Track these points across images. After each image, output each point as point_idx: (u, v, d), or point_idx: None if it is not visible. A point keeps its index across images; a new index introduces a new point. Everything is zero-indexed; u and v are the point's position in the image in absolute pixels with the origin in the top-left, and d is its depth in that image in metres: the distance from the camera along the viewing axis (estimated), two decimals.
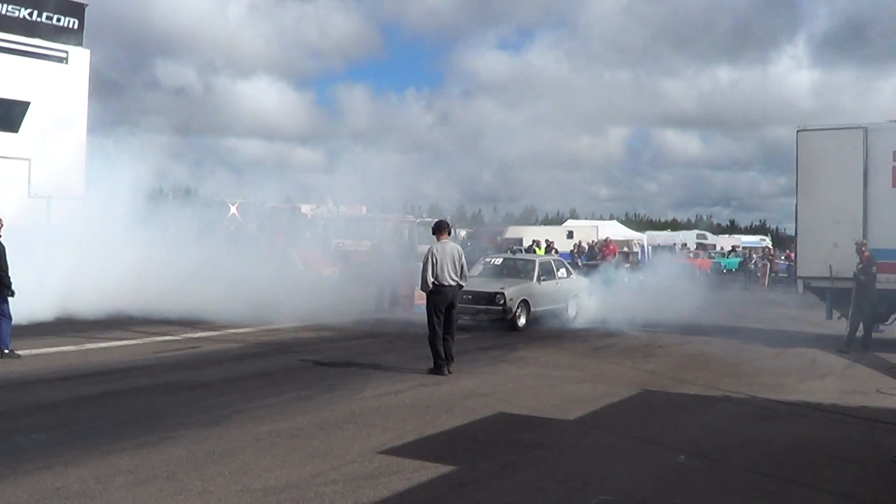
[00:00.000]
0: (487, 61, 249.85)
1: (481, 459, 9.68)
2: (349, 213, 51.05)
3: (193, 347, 18.68)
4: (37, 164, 30.96)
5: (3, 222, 16.68)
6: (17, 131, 30.89)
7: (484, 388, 14.17)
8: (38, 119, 30.90)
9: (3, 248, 16.50)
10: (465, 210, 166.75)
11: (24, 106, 30.95)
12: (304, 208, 52.64)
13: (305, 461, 9.33)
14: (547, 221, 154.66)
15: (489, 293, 23.49)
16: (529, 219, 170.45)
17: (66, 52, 32.60)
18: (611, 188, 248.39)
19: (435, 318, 15.82)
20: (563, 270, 26.93)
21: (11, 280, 16.55)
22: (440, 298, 15.85)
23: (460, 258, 16.12)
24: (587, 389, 14.36)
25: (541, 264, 26.21)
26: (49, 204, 31.40)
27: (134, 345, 18.80)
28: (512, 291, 23.64)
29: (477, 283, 24.04)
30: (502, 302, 23.20)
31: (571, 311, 26.02)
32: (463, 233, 55.57)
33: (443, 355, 15.66)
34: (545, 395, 13.76)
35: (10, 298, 16.66)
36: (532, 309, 24.20)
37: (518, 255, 31.51)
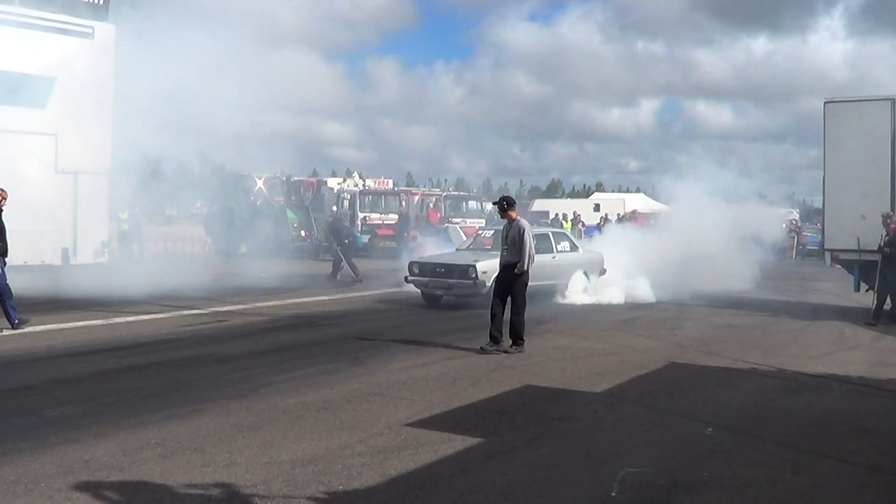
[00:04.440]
0: (518, 33, 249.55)
1: (508, 432, 9.68)
2: (376, 187, 51.08)
3: (220, 321, 18.74)
4: (63, 140, 31.05)
5: (7, 194, 16.67)
6: (43, 107, 30.99)
7: (510, 361, 14.16)
8: (64, 95, 30.96)
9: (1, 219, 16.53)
10: (492, 183, 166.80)
11: (50, 82, 31.01)
12: (331, 182, 52.75)
13: (332, 433, 9.35)
14: (573, 194, 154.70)
15: (461, 265, 22.19)
16: (555, 192, 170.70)
17: (92, 27, 32.62)
18: (639, 161, 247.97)
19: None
20: (564, 244, 24.72)
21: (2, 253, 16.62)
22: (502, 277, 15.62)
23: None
24: (614, 362, 14.32)
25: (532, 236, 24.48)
26: (76, 179, 31.54)
27: (161, 318, 18.88)
28: (486, 264, 21.31)
29: (453, 255, 23.90)
30: (474, 275, 21.66)
31: (574, 287, 23.87)
32: (489, 206, 55.47)
33: (500, 334, 15.22)
34: (572, 368, 13.74)
35: (4, 270, 16.66)
36: None
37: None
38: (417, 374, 12.83)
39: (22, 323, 16.52)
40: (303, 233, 40.66)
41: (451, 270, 22.26)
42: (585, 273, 24.38)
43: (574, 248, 25.08)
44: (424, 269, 22.87)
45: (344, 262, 29.50)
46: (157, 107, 31.08)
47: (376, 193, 47.83)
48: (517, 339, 15.14)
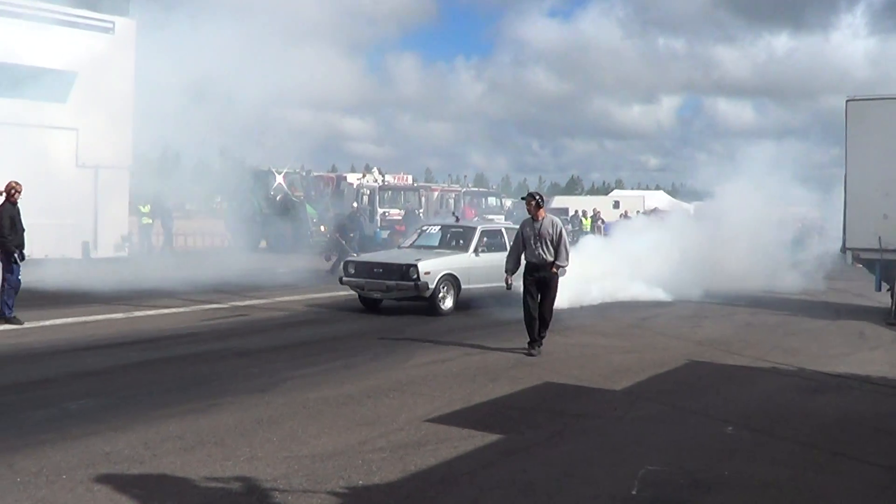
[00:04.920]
0: (538, 29, 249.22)
1: (528, 429, 9.69)
2: (395, 183, 51.12)
3: (241, 315, 18.81)
4: (84, 134, 31.24)
5: (21, 188, 16.74)
6: (64, 102, 31.15)
7: (530, 358, 14.14)
8: (85, 89, 31.11)
9: (15, 212, 16.67)
10: (511, 180, 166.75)
11: (71, 76, 31.18)
12: (350, 177, 52.83)
13: (353, 428, 9.37)
14: (592, 191, 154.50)
15: (401, 265, 19.60)
16: (575, 188, 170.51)
17: (113, 21, 32.78)
18: (659, 158, 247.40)
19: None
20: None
21: (17, 246, 16.71)
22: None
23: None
24: (634, 359, 14.30)
25: (482, 233, 21.42)
26: (97, 173, 31.70)
27: (181, 313, 18.96)
28: (430, 264, 19.53)
29: (394, 254, 21.53)
30: (415, 276, 19.17)
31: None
32: (508, 203, 55.44)
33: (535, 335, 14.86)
34: (591, 365, 13.73)
35: (20, 264, 16.79)
36: (463, 287, 20.05)
37: (457, 223, 23.94)
38: (437, 370, 12.86)
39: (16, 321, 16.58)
40: (322, 228, 40.68)
41: (390, 271, 19.78)
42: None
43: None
44: (361, 270, 20.38)
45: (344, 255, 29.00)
46: (178, 101, 31.21)
47: (396, 189, 47.84)
48: (539, 336, 15.01)
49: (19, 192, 16.71)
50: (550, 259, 14.72)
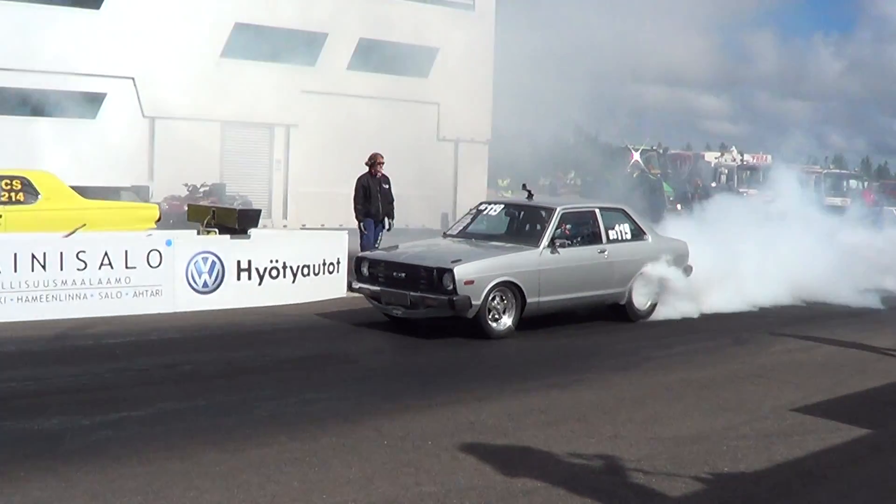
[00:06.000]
0: None
1: None
2: (753, 162, 50.03)
3: None
4: (445, 109, 32.43)
5: (383, 160, 17.36)
6: (426, 77, 32.45)
7: None
8: (446, 64, 32.30)
9: (372, 183, 17.23)
10: (871, 162, 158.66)
11: (432, 52, 32.44)
12: (708, 156, 52.15)
13: (716, 413, 9.25)
14: None
15: (430, 270, 12.97)
16: None
17: None
18: None
19: None
20: (622, 227, 14.97)
21: (367, 215, 17.26)
22: None
23: None
24: None
25: (563, 216, 14.28)
26: (457, 147, 32.87)
27: None
28: (473, 268, 12.85)
29: (428, 249, 14.27)
30: (450, 286, 12.56)
31: (640, 299, 14.99)
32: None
33: None
34: None
35: (383, 233, 17.42)
36: (529, 300, 13.27)
37: (528, 201, 15.10)
38: (801, 358, 12.48)
39: None
40: (678, 206, 40.41)
41: (414, 276, 13.18)
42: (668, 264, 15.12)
43: (639, 234, 15.25)
44: (376, 272, 13.80)
45: None
46: (535, 76, 31.77)
47: (754, 168, 46.72)
48: None
49: (382, 164, 17.45)
50: None
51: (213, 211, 16.87)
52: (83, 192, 18.03)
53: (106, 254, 13.60)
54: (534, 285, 13.27)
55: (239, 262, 14.80)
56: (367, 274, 13.80)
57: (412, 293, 12.93)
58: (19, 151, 22.47)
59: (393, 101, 30.39)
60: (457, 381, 10.54)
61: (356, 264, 14.14)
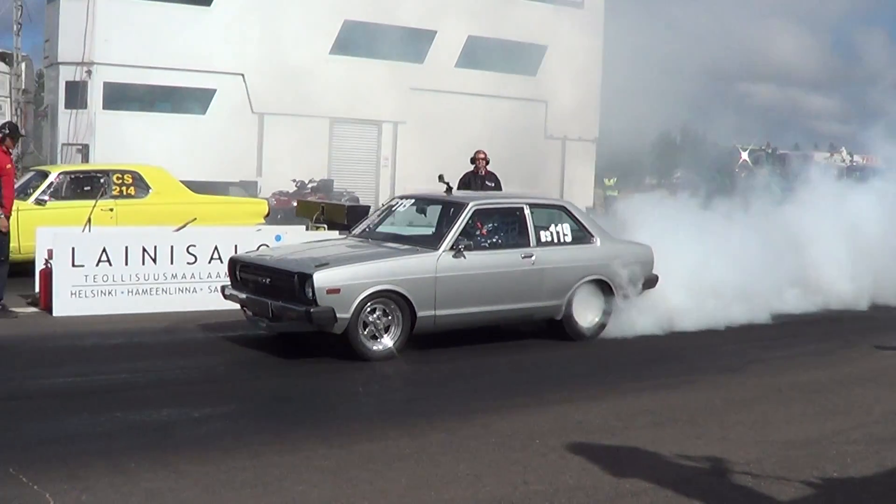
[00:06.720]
0: None
1: None
2: (864, 163, 49.06)
3: None
4: (553, 107, 32.42)
5: (487, 157, 16.91)
6: (534, 74, 32.47)
7: None
8: (554, 62, 32.29)
9: (473, 180, 16.72)
10: None
11: (541, 50, 32.44)
12: (816, 156, 51.32)
13: (825, 417, 9.10)
14: None
15: (291, 274, 10.56)
16: None
17: None
18: None
19: None
20: (559, 228, 12.29)
21: None
22: None
23: None
24: None
25: (475, 213, 11.75)
26: (564, 145, 32.80)
27: None
28: (340, 274, 10.45)
29: (297, 252, 11.59)
30: (311, 295, 10.19)
31: (583, 315, 12.35)
32: None
33: None
34: None
35: None
36: (421, 314, 10.84)
37: (443, 195, 12.59)
38: None
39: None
40: None
41: (277, 281, 10.82)
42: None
43: (584, 236, 12.57)
44: (247, 275, 11.37)
45: None
46: (643, 76, 31.58)
47: (863, 170, 45.76)
48: None
49: (482, 160, 17.27)
50: None
51: (323, 207, 17.05)
52: (193, 187, 18.34)
53: (216, 248, 13.84)
54: (427, 296, 10.92)
55: None
56: (240, 279, 11.47)
57: (274, 302, 10.63)
58: (133, 145, 23.05)
59: (500, 98, 30.49)
60: (564, 380, 10.55)
61: (229, 267, 11.87)
